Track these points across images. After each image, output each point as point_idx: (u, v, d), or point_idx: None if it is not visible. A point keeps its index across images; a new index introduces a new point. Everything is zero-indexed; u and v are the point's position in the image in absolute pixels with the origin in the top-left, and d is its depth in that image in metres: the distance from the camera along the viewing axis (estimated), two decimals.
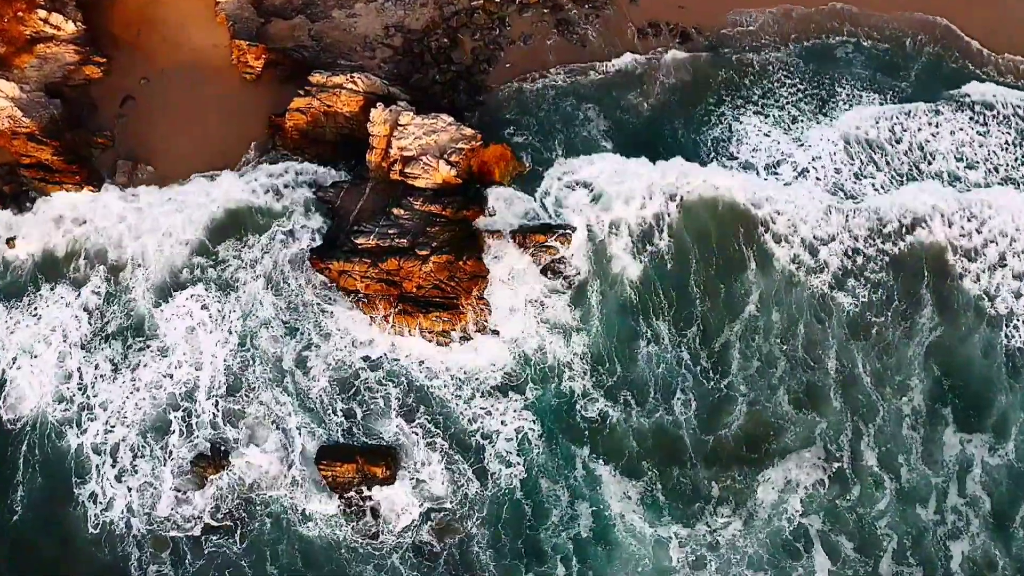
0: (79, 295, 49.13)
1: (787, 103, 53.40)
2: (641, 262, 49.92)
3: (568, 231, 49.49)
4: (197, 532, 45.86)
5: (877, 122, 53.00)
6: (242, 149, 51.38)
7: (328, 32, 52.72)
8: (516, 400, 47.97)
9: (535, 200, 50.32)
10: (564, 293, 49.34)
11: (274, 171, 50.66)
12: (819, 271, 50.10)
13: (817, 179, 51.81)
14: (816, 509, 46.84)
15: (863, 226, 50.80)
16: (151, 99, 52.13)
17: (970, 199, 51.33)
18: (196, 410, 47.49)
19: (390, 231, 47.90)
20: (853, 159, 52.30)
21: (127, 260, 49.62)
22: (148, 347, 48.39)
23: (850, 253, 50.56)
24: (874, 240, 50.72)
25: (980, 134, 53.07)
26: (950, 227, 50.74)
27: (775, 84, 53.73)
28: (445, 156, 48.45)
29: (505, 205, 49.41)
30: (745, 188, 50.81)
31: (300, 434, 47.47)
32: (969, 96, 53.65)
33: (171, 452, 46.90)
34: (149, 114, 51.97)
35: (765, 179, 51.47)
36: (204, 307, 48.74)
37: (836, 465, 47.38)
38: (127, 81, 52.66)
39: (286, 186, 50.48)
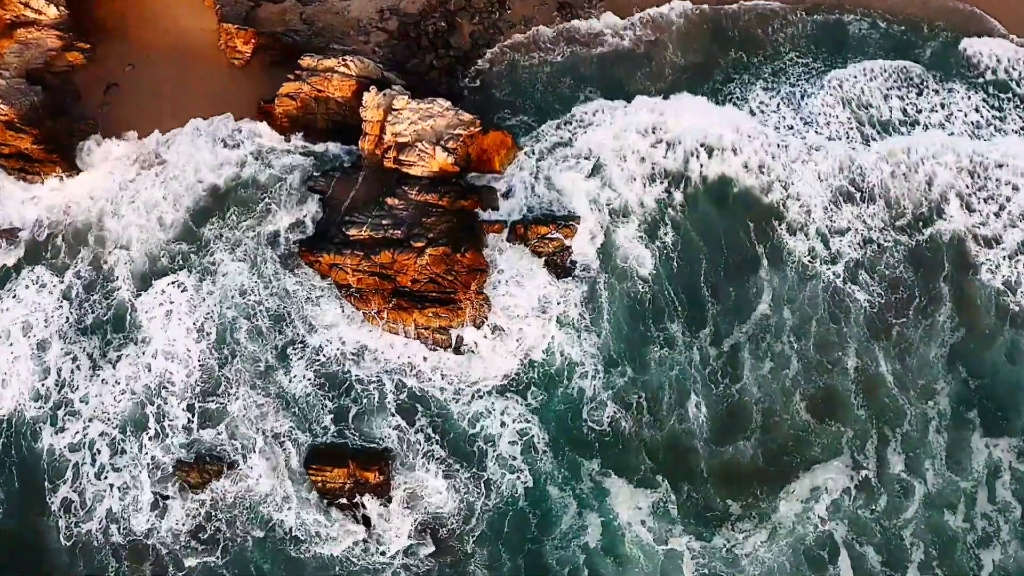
0: (61, 280, 46.59)
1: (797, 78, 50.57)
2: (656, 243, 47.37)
3: (572, 222, 46.96)
4: (179, 543, 43.27)
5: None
6: None
7: (320, 16, 50.39)
8: (520, 403, 45.26)
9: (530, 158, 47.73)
10: (571, 288, 46.67)
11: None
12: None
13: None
14: (841, 517, 43.99)
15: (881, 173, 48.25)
16: (136, 86, 49.89)
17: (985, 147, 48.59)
18: (174, 412, 44.93)
19: (384, 222, 45.42)
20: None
21: (110, 240, 47.17)
22: (130, 339, 45.88)
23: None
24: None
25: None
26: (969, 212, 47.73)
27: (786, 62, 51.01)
28: (442, 142, 45.97)
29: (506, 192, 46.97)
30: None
31: (287, 437, 44.88)
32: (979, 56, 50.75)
33: (151, 456, 44.35)
34: (134, 101, 49.67)
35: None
36: (183, 289, 46.11)
37: (863, 473, 44.53)
38: (111, 68, 50.49)
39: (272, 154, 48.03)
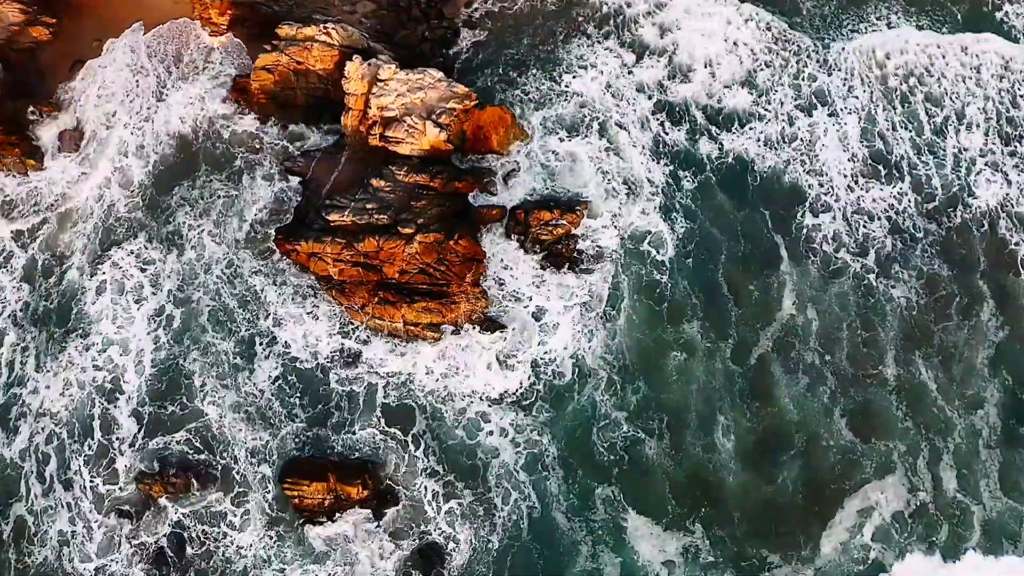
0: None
1: None
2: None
3: (579, 208, 42.10)
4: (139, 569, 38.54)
5: None
6: None
7: None
8: (525, 417, 40.33)
9: None
10: (578, 284, 41.73)
11: None
12: None
13: None
14: (893, 546, 38.77)
15: None
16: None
17: None
18: (123, 418, 40.24)
19: (368, 206, 40.74)
20: None
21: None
22: (79, 329, 41.32)
23: None
24: None
25: None
26: None
27: None
28: (433, 117, 41.29)
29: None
30: None
31: (259, 446, 40.07)
32: None
33: (109, 468, 39.62)
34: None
35: None
36: (142, 268, 41.58)
37: (920, 496, 39.61)
38: (78, 44, 46.34)
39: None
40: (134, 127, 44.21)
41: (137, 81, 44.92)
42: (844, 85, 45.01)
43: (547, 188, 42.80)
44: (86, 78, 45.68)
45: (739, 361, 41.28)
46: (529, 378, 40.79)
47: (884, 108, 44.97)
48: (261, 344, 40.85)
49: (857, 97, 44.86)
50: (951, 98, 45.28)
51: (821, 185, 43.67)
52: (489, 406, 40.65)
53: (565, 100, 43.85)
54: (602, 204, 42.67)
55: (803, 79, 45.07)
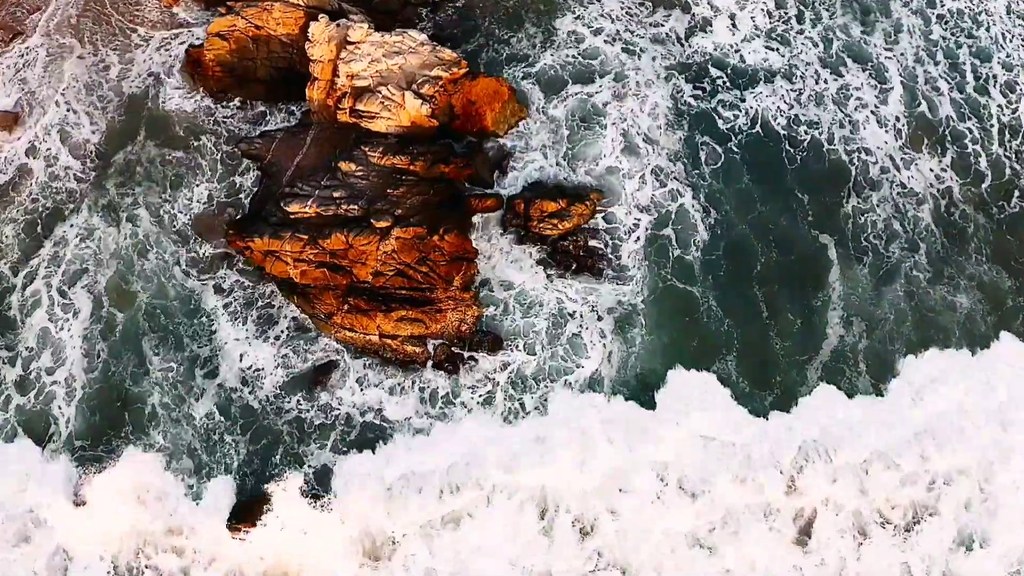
0: None
1: None
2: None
3: (588, 200, 34.99)
4: None
5: None
6: None
7: None
8: None
9: None
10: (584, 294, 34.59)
11: None
12: None
13: None
14: None
15: None
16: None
17: None
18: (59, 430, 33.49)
19: (336, 195, 33.89)
20: None
21: None
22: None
23: None
24: None
25: None
26: None
27: None
28: (414, 87, 34.41)
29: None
30: None
31: (202, 478, 33.13)
32: None
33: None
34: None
35: None
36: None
37: None
38: (16, 17, 40.25)
39: None
40: (72, 107, 37.89)
41: (77, 55, 38.68)
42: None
43: (553, 168, 35.69)
44: (24, 54, 39.62)
45: None
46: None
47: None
48: (212, 363, 33.84)
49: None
50: None
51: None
52: None
53: (573, 55, 36.92)
54: (621, 186, 35.44)
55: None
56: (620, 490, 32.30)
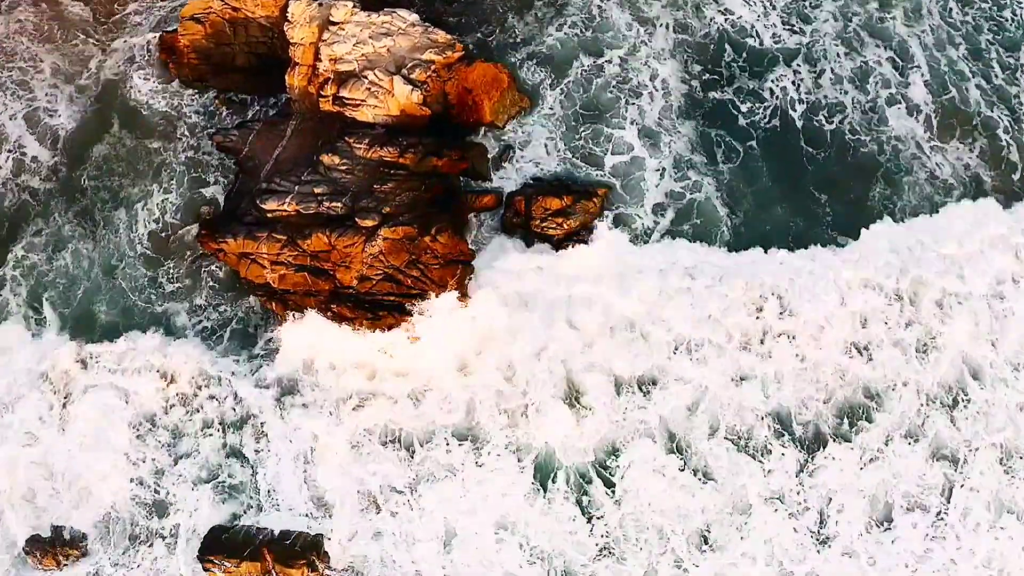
0: None
1: None
2: None
3: (595, 197, 31.75)
4: None
5: None
6: None
7: None
8: None
9: None
10: None
11: None
12: None
13: None
14: None
15: None
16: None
17: None
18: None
19: (317, 191, 30.73)
20: None
21: None
22: None
23: None
24: None
25: None
26: None
27: None
28: (404, 72, 31.23)
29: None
30: None
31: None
32: None
33: None
34: None
35: None
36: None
37: None
38: None
39: None
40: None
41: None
42: None
43: (557, 162, 32.40)
44: None
45: None
46: None
47: None
48: None
49: None
50: None
51: None
52: None
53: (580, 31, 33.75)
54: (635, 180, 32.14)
55: None
56: None
